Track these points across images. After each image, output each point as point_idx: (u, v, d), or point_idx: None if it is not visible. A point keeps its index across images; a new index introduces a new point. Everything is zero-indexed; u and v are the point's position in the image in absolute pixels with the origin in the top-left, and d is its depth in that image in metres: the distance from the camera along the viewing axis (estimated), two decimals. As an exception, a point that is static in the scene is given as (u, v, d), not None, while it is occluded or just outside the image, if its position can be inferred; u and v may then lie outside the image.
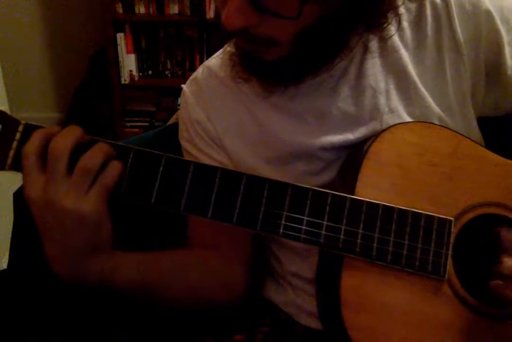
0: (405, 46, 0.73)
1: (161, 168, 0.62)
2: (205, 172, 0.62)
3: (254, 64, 0.67)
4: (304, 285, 0.79)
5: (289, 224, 0.62)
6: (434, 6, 0.73)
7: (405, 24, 0.74)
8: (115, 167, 0.61)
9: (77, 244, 0.62)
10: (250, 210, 0.62)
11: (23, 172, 0.60)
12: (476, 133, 0.78)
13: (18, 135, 0.62)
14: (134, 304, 0.77)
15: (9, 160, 0.61)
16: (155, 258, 0.74)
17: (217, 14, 0.63)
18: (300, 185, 0.63)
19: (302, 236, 0.62)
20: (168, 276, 0.74)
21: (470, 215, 0.66)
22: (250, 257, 0.82)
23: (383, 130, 0.68)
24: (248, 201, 0.62)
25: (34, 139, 0.61)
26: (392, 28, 0.73)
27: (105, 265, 0.65)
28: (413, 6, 0.74)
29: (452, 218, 0.65)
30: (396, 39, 0.73)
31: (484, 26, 0.73)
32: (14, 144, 0.61)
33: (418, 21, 0.74)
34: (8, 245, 0.85)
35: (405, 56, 0.73)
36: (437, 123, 0.72)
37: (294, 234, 0.62)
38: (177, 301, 0.75)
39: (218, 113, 0.77)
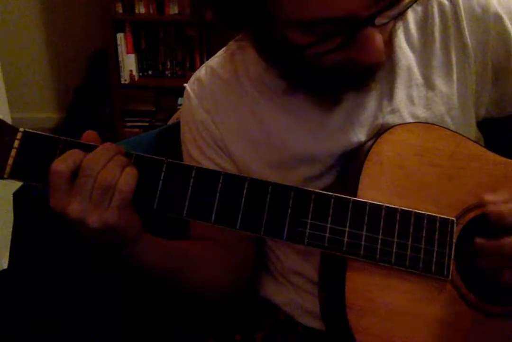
0: (411, 47, 0.73)
1: (162, 174, 0.61)
2: (207, 177, 0.62)
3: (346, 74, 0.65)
4: (305, 284, 0.79)
5: (292, 227, 0.62)
6: (441, 7, 0.73)
7: (412, 25, 0.74)
8: (130, 174, 0.60)
9: (108, 242, 0.63)
10: (253, 214, 0.62)
11: (50, 187, 0.59)
12: (474, 131, 0.78)
13: (16, 143, 0.60)
14: (159, 289, 0.79)
15: (8, 169, 0.60)
16: (177, 243, 0.75)
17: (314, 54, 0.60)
18: (303, 188, 0.63)
19: (306, 239, 0.62)
20: (187, 262, 0.75)
21: (471, 215, 0.67)
22: (256, 254, 0.82)
23: (383, 132, 0.68)
24: (251, 205, 0.62)
25: (68, 157, 0.59)
26: (398, 29, 0.73)
27: (133, 250, 0.66)
28: (419, 7, 0.74)
29: (454, 218, 0.65)
30: (402, 39, 0.73)
31: (493, 29, 0.73)
32: (13, 152, 0.60)
33: (424, 22, 0.74)
34: (8, 245, 0.85)
35: (411, 56, 0.73)
36: (439, 123, 0.72)
37: (298, 237, 0.62)
38: (193, 290, 0.77)
39: (221, 114, 0.76)
